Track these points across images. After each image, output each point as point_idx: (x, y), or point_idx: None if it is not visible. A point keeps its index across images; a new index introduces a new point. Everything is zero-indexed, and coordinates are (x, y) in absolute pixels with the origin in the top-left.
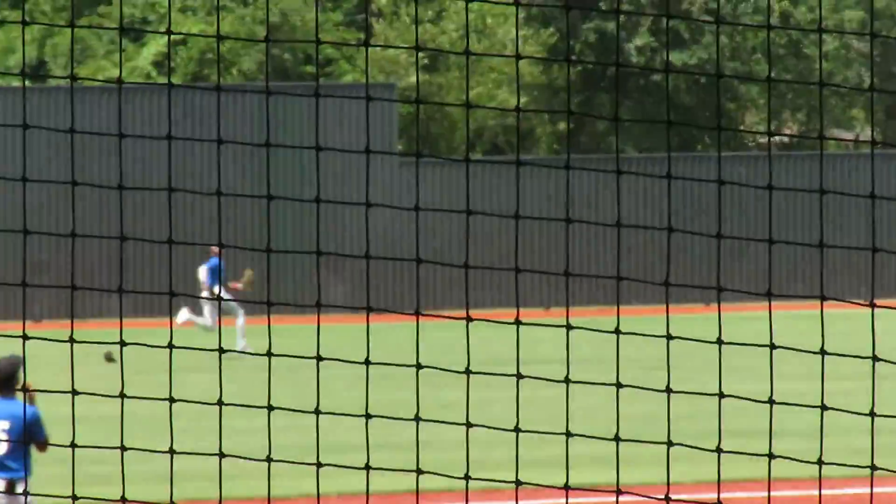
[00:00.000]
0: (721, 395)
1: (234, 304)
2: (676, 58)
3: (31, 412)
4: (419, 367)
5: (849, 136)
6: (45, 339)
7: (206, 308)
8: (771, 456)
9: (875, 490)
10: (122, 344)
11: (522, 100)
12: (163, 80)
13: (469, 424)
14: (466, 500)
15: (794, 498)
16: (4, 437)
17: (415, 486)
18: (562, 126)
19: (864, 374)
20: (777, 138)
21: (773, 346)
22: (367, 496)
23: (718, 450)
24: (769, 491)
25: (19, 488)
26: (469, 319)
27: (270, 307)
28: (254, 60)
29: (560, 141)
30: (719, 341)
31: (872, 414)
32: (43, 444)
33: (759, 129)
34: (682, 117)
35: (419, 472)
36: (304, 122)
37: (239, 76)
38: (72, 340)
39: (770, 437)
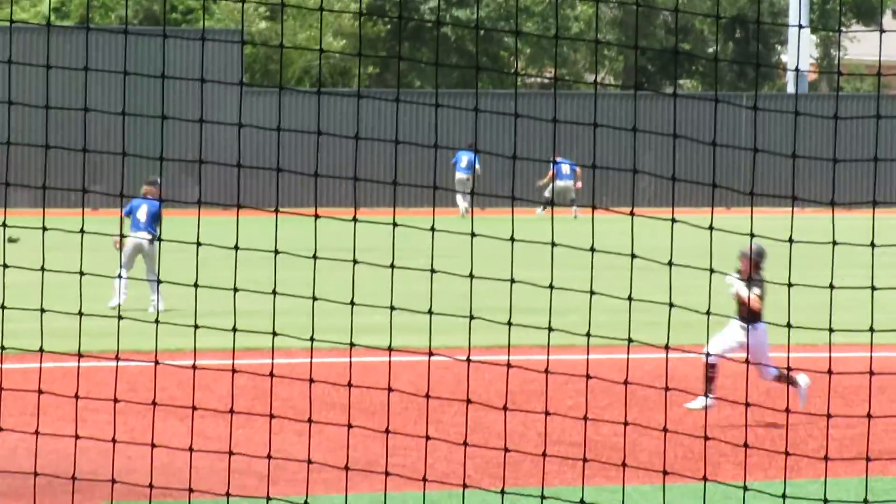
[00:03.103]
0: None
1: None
2: (462, 13)
3: None
4: (237, 248)
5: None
6: None
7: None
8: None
9: (593, 357)
10: None
11: (341, 43)
12: (59, 22)
13: (314, 299)
14: (272, 356)
15: None
16: None
17: (232, 344)
18: (370, 69)
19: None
20: (538, 80)
21: (512, 240)
22: (195, 351)
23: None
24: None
25: None
26: (316, 216)
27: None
28: (130, 9)
29: (370, 79)
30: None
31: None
32: None
33: (529, 70)
34: (467, 60)
35: (235, 330)
36: (182, 61)
37: (116, 20)
38: None
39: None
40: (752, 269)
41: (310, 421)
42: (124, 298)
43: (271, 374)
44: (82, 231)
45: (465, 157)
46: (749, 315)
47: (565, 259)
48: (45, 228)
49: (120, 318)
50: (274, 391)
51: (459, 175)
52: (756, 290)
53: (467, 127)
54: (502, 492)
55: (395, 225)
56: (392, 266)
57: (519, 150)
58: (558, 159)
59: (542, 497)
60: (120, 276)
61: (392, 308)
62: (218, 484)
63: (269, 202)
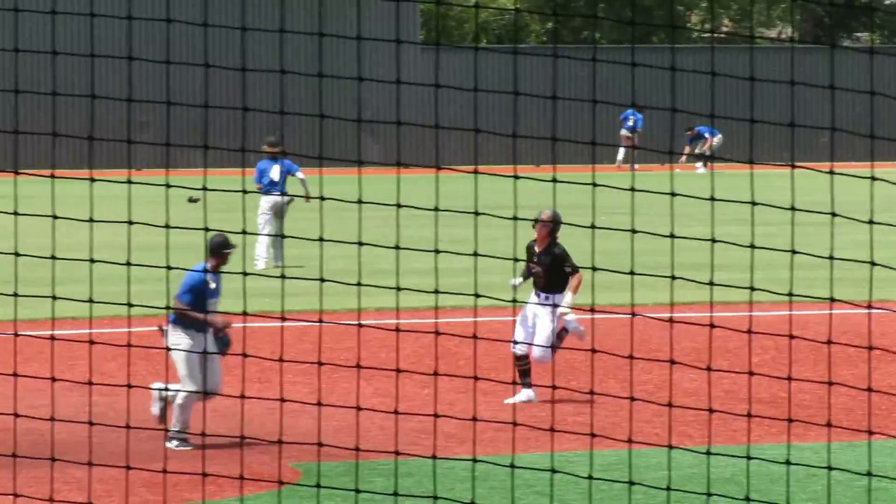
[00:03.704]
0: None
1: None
2: None
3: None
4: (437, 210)
5: (771, 33)
6: (145, 183)
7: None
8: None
9: (794, 313)
10: (205, 189)
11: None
12: None
13: (476, 255)
14: (475, 315)
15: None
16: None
17: (434, 304)
18: (549, 24)
19: (786, 222)
20: (713, 34)
21: (713, 199)
22: (397, 311)
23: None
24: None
25: None
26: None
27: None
28: None
29: (547, 35)
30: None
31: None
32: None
33: (704, 27)
34: (642, 15)
35: (437, 292)
36: (351, 24)
37: None
38: (167, 185)
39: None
40: (549, 237)
41: (514, 383)
42: (269, 250)
43: (475, 337)
44: (244, 191)
45: (632, 117)
46: (551, 286)
47: (737, 215)
48: (241, 193)
49: (324, 280)
50: (447, 350)
51: (626, 133)
52: (577, 274)
53: (643, 83)
54: (708, 452)
55: (594, 185)
56: (593, 227)
57: (690, 106)
58: (700, 126)
59: (749, 457)
60: (265, 236)
61: (594, 269)
62: (403, 444)
63: (453, 159)
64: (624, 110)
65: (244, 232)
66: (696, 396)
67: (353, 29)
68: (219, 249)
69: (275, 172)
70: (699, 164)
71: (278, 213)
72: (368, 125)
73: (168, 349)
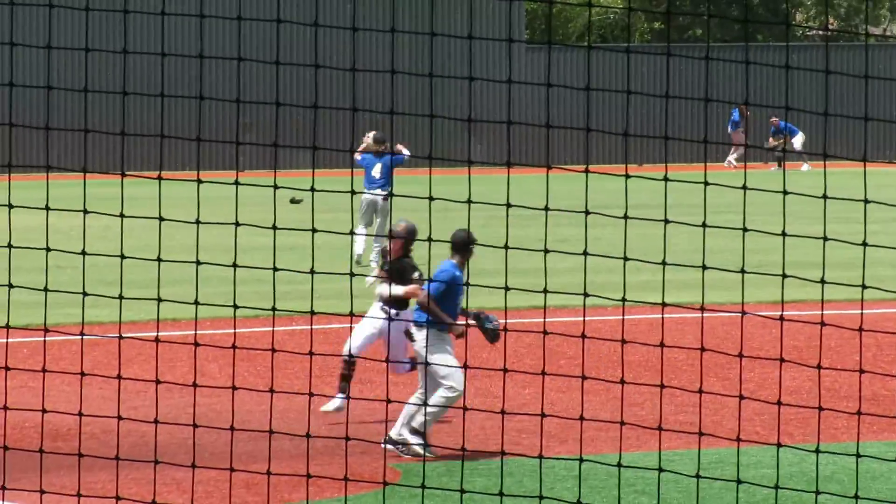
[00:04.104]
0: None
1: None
2: None
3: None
4: (547, 209)
5: (877, 30)
6: (252, 185)
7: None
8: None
9: None
10: (313, 190)
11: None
12: None
13: (586, 254)
14: (584, 315)
15: (840, 315)
16: None
17: (542, 303)
18: (655, 24)
19: (887, 220)
20: (820, 31)
21: (825, 197)
22: (505, 311)
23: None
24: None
25: None
26: (587, 172)
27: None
28: None
29: (652, 33)
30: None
31: None
32: None
33: (811, 22)
34: (747, 12)
35: (546, 291)
36: (458, 20)
37: None
38: (275, 186)
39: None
40: (402, 250)
41: (622, 382)
42: (363, 248)
43: (583, 336)
44: (352, 192)
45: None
46: (396, 301)
47: (839, 213)
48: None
49: (431, 280)
50: (549, 350)
51: (730, 131)
52: (414, 280)
53: (741, 81)
54: (817, 450)
55: (706, 184)
56: (704, 225)
57: (795, 104)
58: (783, 122)
59: (858, 455)
60: (354, 233)
61: (704, 267)
62: (504, 444)
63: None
64: (731, 109)
65: (352, 233)
66: (797, 395)
67: (456, 29)
68: (465, 245)
69: (377, 170)
70: (804, 164)
71: (377, 211)
72: (469, 125)
73: (420, 362)
